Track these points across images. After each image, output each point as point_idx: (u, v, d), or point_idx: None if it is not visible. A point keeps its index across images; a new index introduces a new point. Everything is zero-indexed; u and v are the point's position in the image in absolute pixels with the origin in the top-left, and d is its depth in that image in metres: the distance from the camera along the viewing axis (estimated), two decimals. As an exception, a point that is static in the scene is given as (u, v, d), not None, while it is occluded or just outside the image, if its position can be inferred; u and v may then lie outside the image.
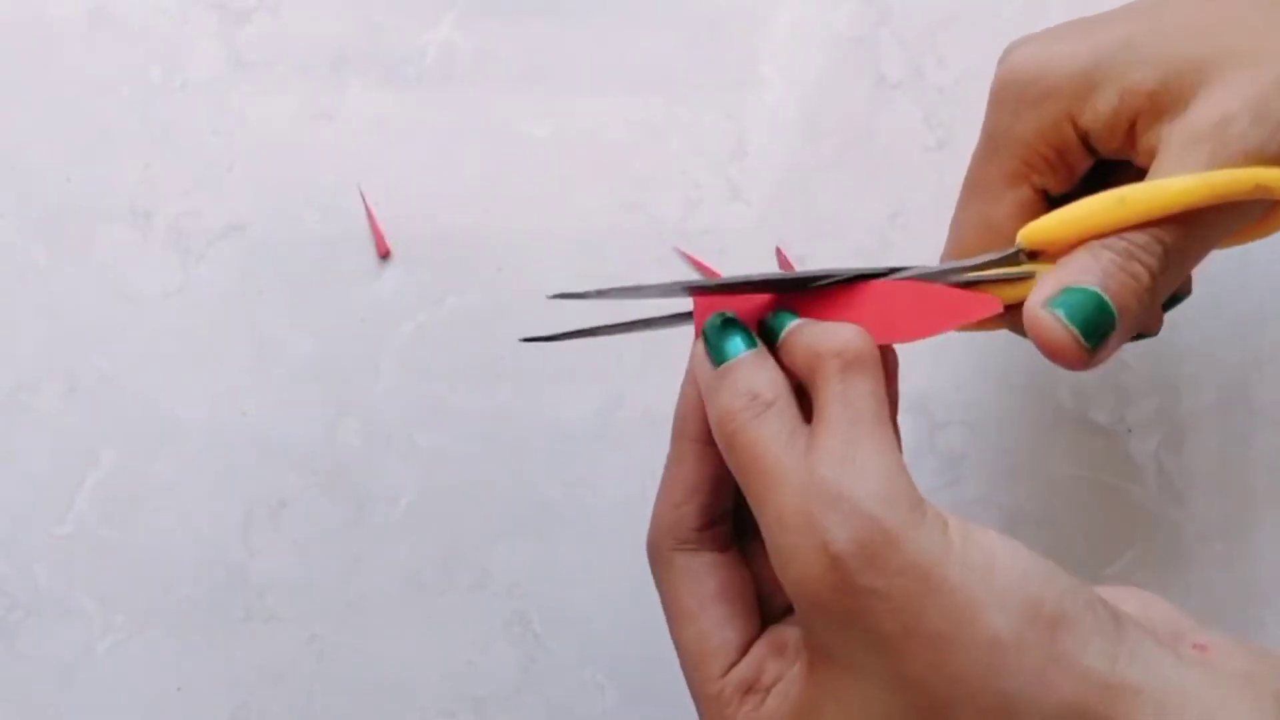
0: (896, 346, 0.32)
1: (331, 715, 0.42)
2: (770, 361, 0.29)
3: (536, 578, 0.42)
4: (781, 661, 0.28)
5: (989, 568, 0.25)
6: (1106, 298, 0.29)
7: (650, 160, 0.44)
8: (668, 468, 0.31)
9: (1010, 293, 0.32)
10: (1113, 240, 0.30)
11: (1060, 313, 0.29)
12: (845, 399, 0.27)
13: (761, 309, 0.31)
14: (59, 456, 0.42)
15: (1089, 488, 0.44)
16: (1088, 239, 0.31)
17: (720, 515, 0.31)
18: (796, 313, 0.31)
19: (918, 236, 0.44)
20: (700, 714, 0.29)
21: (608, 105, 0.44)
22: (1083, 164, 0.34)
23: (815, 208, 0.44)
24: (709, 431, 0.30)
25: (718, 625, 0.29)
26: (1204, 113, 0.31)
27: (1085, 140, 0.33)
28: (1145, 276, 0.30)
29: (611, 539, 0.43)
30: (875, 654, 0.25)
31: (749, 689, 0.28)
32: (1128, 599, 0.28)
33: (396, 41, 0.44)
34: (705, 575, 0.30)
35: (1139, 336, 0.37)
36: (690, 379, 0.31)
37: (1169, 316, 0.37)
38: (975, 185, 0.35)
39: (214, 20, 0.44)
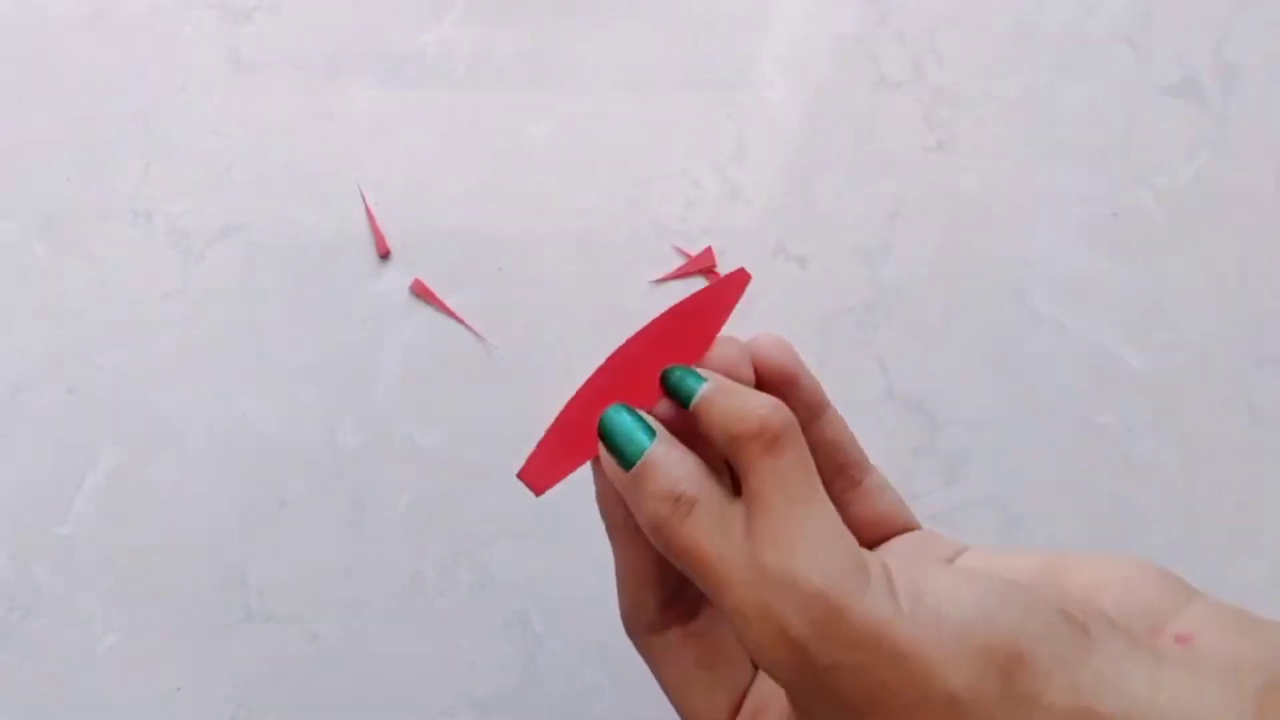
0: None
1: (331, 716, 0.42)
2: (678, 448, 0.29)
3: (536, 578, 0.42)
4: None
5: (937, 623, 0.25)
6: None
7: (650, 160, 0.44)
8: (615, 558, 0.32)
9: None
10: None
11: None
12: (775, 477, 0.27)
13: (649, 365, 0.30)
14: (59, 456, 0.42)
15: (1089, 488, 0.43)
16: None
17: (676, 592, 0.31)
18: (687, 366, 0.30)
19: (918, 237, 0.44)
20: None
21: (608, 105, 0.44)
22: None
23: (815, 208, 0.44)
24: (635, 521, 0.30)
25: (705, 694, 0.30)
26: None
27: None
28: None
29: (611, 539, 0.43)
30: None
31: None
32: (1111, 581, 0.28)
33: (396, 41, 0.44)
34: (680, 650, 0.31)
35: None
36: (601, 473, 0.31)
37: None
38: None
39: (214, 20, 0.44)
